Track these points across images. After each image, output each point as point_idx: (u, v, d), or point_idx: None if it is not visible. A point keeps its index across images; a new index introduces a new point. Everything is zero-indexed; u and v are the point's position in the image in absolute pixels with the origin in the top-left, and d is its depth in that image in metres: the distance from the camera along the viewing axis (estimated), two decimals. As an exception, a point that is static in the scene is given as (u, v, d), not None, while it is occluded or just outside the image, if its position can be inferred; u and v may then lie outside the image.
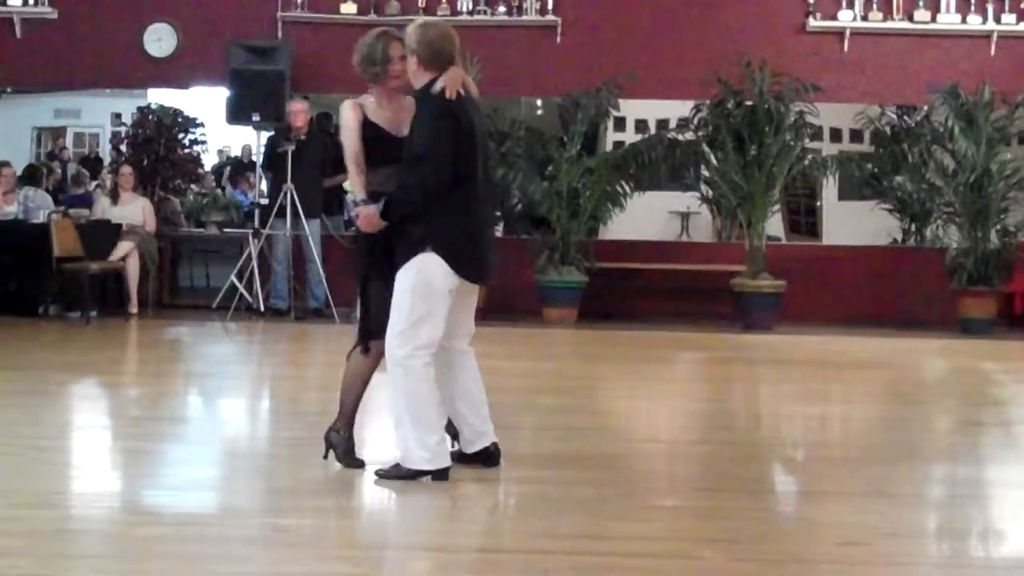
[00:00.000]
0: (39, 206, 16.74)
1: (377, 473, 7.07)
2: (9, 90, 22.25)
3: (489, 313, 16.12)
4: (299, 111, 16.32)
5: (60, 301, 16.03)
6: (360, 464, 7.31)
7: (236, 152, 22.70)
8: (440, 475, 6.96)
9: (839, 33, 17.49)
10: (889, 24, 17.46)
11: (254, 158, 17.76)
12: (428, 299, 6.88)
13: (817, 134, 17.88)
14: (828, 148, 18.58)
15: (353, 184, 7.21)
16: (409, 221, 6.89)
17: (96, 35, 17.29)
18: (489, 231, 7.50)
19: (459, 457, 7.26)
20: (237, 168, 21.70)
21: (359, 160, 7.14)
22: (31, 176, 18.02)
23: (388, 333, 6.93)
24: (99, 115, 24.17)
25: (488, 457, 7.34)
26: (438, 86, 6.95)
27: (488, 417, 7.36)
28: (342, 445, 7.35)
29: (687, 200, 18.32)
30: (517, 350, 14.02)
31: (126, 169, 16.96)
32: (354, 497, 7.00)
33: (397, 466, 7.00)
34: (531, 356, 13.64)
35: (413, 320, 6.87)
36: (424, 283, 6.85)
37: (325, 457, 7.35)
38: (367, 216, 6.96)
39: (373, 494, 7.01)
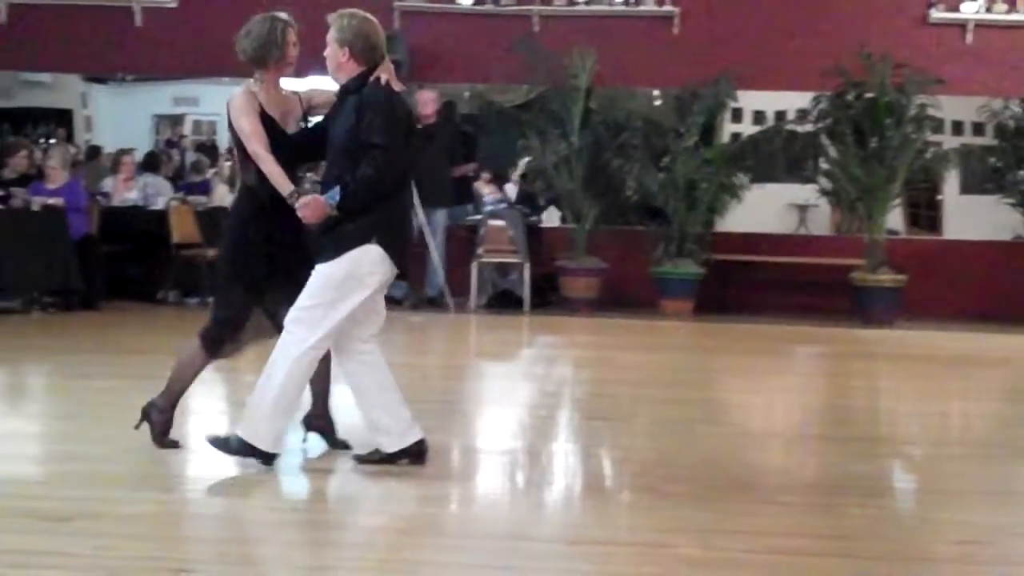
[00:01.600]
0: (158, 193, 16.95)
1: (211, 442, 6.97)
2: (129, 78, 22.52)
3: (605, 305, 16.21)
4: (429, 100, 16.42)
5: (178, 287, 16.21)
6: (175, 444, 7.23)
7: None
8: (269, 460, 6.81)
9: (962, 25, 17.24)
10: (1014, 16, 17.18)
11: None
12: (353, 293, 6.74)
13: (939, 127, 17.61)
14: (950, 141, 18.31)
15: (273, 174, 6.85)
16: (360, 214, 6.73)
17: (214, 23, 17.41)
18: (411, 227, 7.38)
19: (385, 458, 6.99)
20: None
21: (269, 146, 6.90)
22: (151, 163, 18.24)
23: (298, 318, 6.75)
24: (217, 103, 24.31)
25: (417, 454, 6.99)
26: (382, 78, 6.88)
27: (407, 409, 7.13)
28: (160, 425, 7.26)
29: (805, 192, 18.18)
30: (632, 342, 13.99)
31: (244, 156, 17.07)
32: (470, 486, 6.99)
33: (228, 440, 6.90)
34: (646, 348, 13.57)
35: (331, 313, 6.73)
36: (356, 276, 6.72)
37: (137, 427, 7.27)
38: (316, 207, 6.72)
39: (489, 483, 7.01)
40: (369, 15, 7.08)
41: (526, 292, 16.26)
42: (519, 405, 9.88)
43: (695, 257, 16.47)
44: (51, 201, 14.93)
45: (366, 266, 6.73)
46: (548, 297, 16.64)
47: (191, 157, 22.00)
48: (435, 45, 17.23)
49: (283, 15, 7.29)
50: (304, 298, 6.77)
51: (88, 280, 14.79)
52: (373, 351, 7.03)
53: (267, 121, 7.03)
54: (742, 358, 13.18)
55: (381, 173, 6.68)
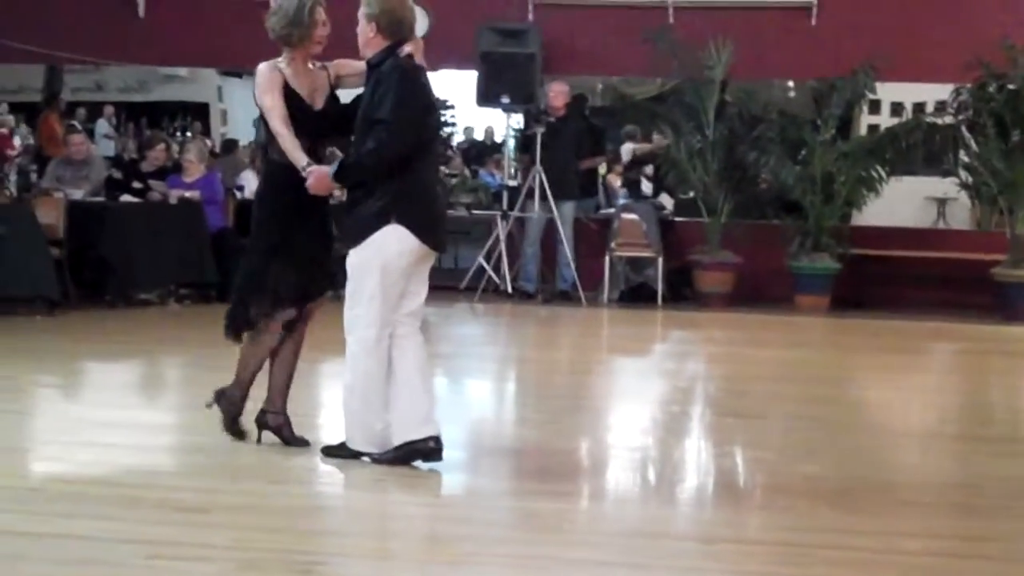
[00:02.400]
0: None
1: (322, 451, 6.98)
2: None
3: (739, 299, 16.08)
4: (559, 92, 16.42)
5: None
6: (241, 434, 7.18)
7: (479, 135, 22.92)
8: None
9: (1107, 14, 16.85)
10: None
11: (497, 139, 17.80)
12: (394, 275, 6.70)
13: (1083, 119, 17.22)
14: (1094, 134, 17.89)
15: (290, 148, 6.84)
16: (360, 188, 6.74)
17: (346, 16, 17.51)
18: (443, 200, 7.29)
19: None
20: (483, 150, 21.86)
21: (289, 122, 6.87)
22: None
23: (355, 315, 6.75)
24: (348, 93, 24.57)
25: (427, 452, 6.75)
26: (406, 51, 6.85)
27: (433, 405, 6.95)
28: (230, 411, 7.21)
29: (944, 186, 17.87)
30: (767, 337, 13.85)
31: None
32: (599, 482, 6.94)
33: (342, 445, 6.89)
34: (781, 344, 13.43)
35: (372, 303, 6.69)
36: (384, 259, 6.67)
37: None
38: (319, 177, 6.78)
39: (621, 480, 6.95)
40: None
41: (660, 286, 16.16)
42: (651, 401, 9.82)
43: (831, 251, 16.25)
44: (188, 194, 15.09)
45: (392, 246, 6.69)
46: (682, 291, 16.51)
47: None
48: (569, 37, 17.18)
49: None
50: (347, 302, 6.80)
51: (224, 273, 14.91)
52: (406, 335, 6.90)
53: (293, 97, 7.01)
54: (879, 355, 12.99)
55: (380, 149, 6.67)
